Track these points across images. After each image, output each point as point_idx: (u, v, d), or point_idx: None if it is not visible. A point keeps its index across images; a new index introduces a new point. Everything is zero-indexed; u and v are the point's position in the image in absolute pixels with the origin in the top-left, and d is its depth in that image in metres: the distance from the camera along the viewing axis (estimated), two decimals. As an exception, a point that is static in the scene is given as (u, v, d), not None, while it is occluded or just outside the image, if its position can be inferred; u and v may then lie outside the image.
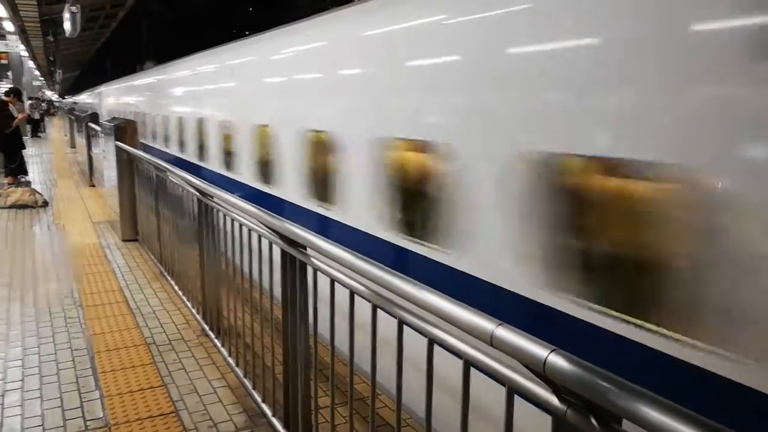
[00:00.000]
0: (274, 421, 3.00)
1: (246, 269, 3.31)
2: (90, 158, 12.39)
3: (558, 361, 1.23)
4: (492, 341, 1.38)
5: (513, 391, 1.45)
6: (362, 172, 4.19)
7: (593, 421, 1.23)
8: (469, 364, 1.60)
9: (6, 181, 10.76)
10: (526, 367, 1.34)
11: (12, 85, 17.73)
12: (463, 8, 3.34)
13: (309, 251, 2.53)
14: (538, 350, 1.27)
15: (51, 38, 23.12)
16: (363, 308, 2.13)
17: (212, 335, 4.13)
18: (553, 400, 1.33)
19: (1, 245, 6.99)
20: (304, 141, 5.17)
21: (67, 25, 14.29)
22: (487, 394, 1.98)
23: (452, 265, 3.28)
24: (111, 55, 34.85)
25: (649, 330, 2.27)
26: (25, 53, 29.53)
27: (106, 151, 8.54)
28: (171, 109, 11.05)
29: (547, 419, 1.36)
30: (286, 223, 2.67)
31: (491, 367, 1.50)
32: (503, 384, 1.47)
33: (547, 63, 2.71)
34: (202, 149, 8.62)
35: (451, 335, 1.67)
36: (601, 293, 2.50)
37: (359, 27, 4.64)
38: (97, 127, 10.19)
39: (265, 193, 6.10)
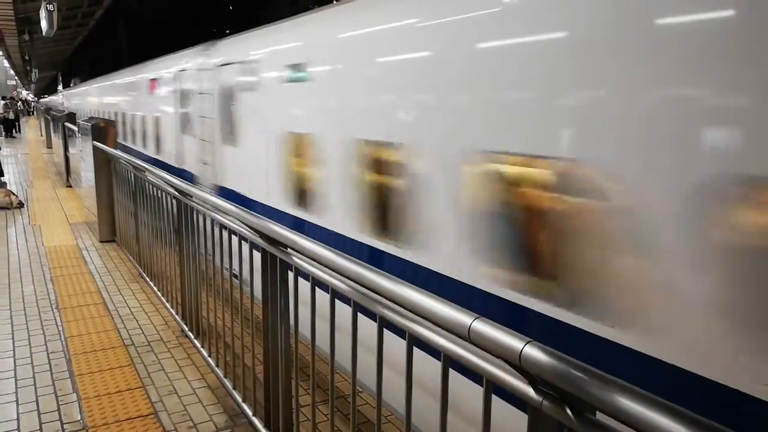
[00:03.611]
0: (255, 420, 2.99)
1: (226, 269, 3.29)
2: (66, 158, 12.19)
3: (533, 352, 1.25)
4: (469, 335, 1.39)
5: (491, 384, 1.47)
6: None
7: (568, 411, 1.25)
8: (448, 359, 1.62)
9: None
10: (503, 359, 1.36)
11: None
12: None
13: (290, 250, 2.52)
14: (514, 342, 1.29)
15: (26, 37, 22.67)
16: (344, 307, 2.13)
17: (192, 336, 4.09)
18: (530, 391, 1.35)
19: (-25, 247, 6.85)
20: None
21: (43, 24, 14.02)
22: (467, 392, 2.00)
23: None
24: (89, 54, 34.28)
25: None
26: (-1, 52, 28.94)
27: (83, 152, 8.41)
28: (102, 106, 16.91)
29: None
30: (267, 222, 2.66)
31: (470, 362, 1.52)
32: (481, 377, 1.49)
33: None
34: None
35: (431, 331, 1.69)
36: None
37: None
38: (74, 127, 10.02)
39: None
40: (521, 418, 1.43)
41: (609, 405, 1.12)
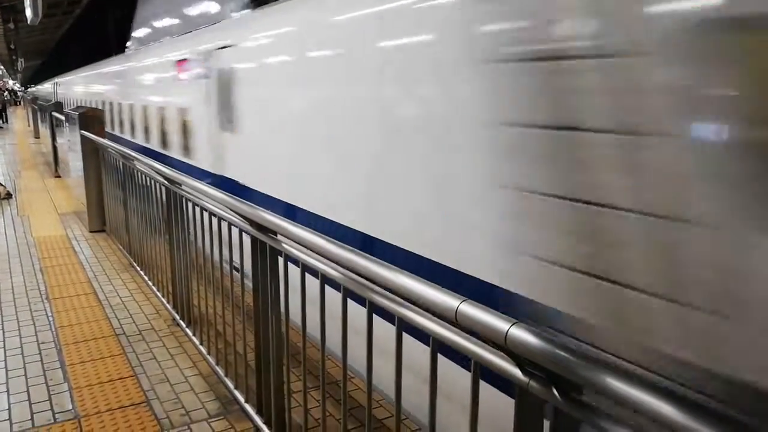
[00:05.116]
0: (247, 407, 3.00)
1: (216, 257, 3.28)
2: (54, 148, 12.08)
3: (519, 333, 1.26)
4: (456, 317, 1.40)
5: (479, 365, 1.48)
6: None
7: (555, 391, 1.27)
8: (437, 342, 1.63)
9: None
10: (490, 341, 1.36)
11: None
12: None
13: (279, 237, 2.52)
14: (500, 323, 1.29)
15: (11, 25, 22.33)
16: (335, 294, 2.14)
17: (183, 324, 4.09)
18: (517, 372, 1.36)
19: (-37, 238, 6.79)
20: None
21: (28, 12, 13.83)
22: (458, 378, 2.02)
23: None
24: (75, 42, 33.67)
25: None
26: (-17, 41, 28.50)
27: (71, 141, 8.34)
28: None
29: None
30: (256, 209, 2.65)
31: (458, 344, 1.53)
32: (469, 359, 1.50)
33: None
34: None
35: (420, 315, 1.69)
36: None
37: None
38: (62, 117, 9.92)
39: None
40: (509, 403, 1.44)
41: (595, 384, 1.13)
